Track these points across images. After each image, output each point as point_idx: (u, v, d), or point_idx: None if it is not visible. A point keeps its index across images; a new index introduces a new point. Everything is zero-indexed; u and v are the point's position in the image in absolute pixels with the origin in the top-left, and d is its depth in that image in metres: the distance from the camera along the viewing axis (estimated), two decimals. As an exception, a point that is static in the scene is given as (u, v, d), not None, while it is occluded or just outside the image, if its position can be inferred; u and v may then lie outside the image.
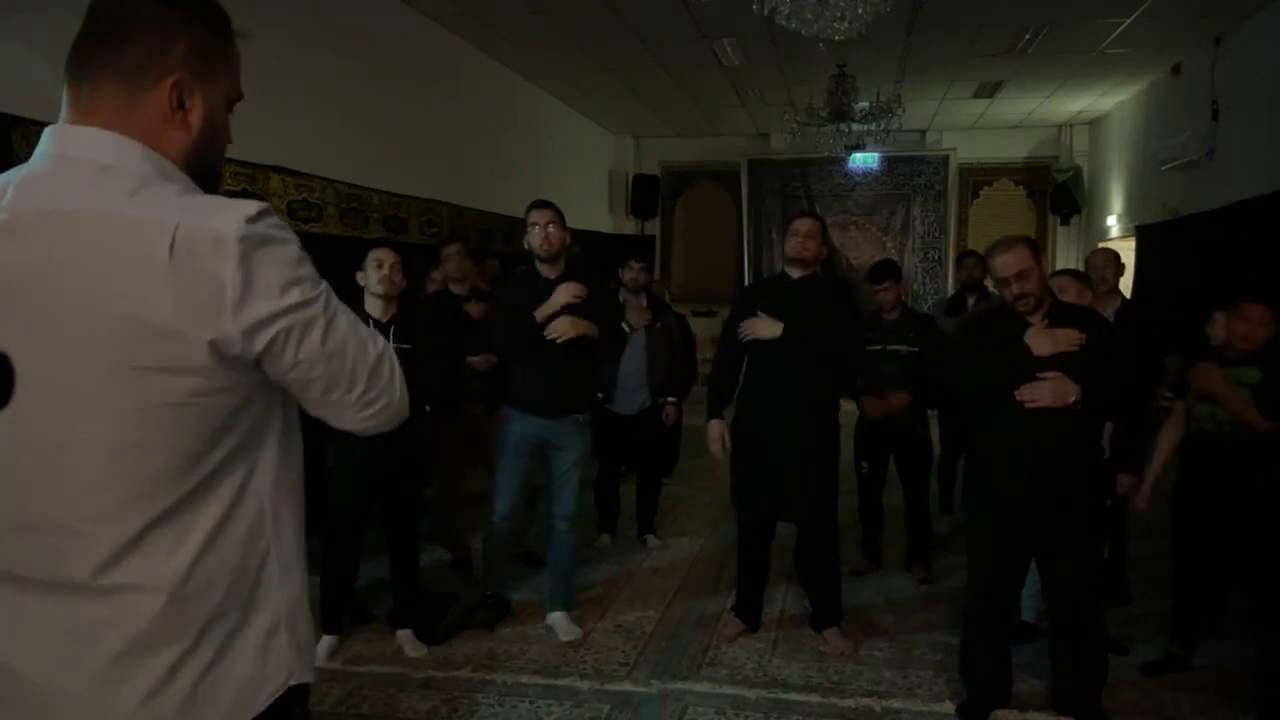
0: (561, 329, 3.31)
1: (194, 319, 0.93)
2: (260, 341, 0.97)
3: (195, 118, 1.04)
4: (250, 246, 0.94)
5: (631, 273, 4.66)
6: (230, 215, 0.95)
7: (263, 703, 1.05)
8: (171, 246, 0.91)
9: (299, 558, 1.11)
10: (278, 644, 1.07)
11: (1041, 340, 2.68)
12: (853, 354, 3.51)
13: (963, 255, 5.87)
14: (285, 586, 1.08)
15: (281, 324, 0.97)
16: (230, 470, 1.01)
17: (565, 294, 3.33)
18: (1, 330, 0.94)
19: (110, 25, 1.00)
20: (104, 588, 0.96)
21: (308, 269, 1.01)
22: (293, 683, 1.09)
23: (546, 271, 3.45)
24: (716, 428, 3.51)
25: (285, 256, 0.98)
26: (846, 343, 3.40)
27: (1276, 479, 2.92)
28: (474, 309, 4.21)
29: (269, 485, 1.06)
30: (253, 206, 0.96)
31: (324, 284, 1.04)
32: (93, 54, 1.00)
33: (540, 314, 3.33)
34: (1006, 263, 2.72)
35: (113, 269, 0.92)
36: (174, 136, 1.03)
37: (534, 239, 3.41)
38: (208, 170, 1.08)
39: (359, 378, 1.07)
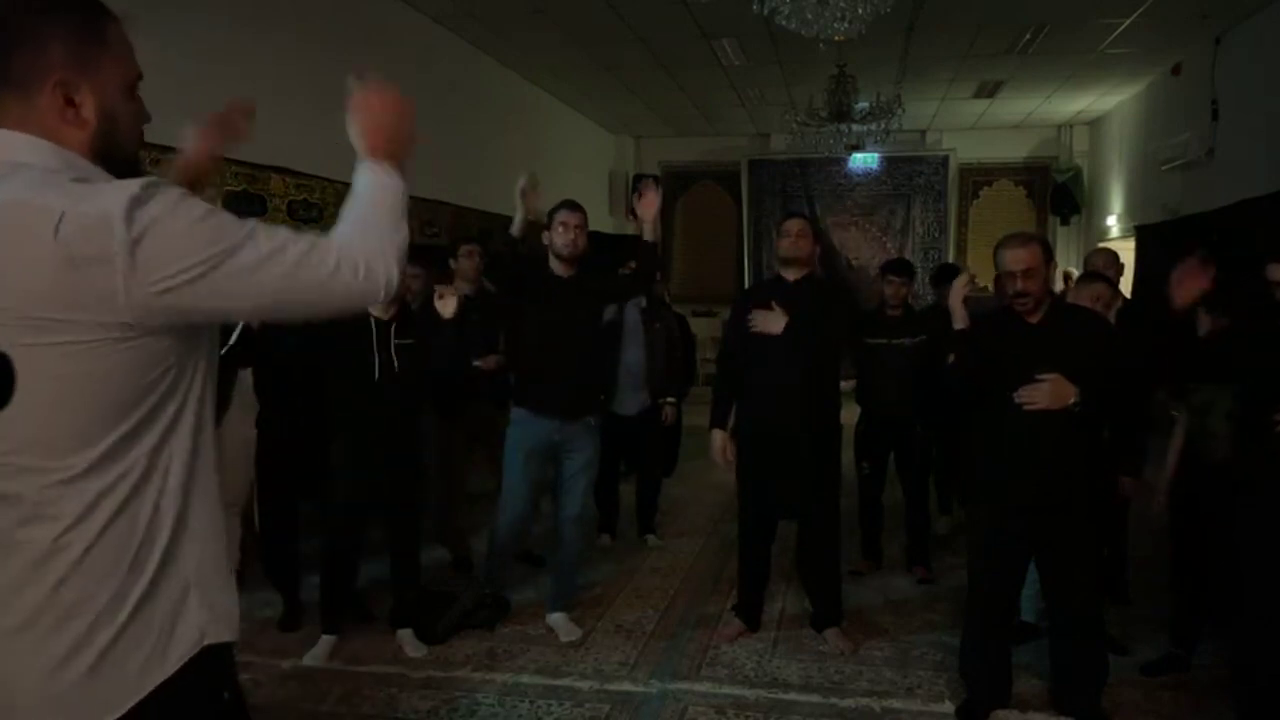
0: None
1: (83, 297, 0.96)
2: (163, 305, 0.99)
3: (88, 112, 1.06)
4: (136, 222, 0.96)
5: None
6: (115, 195, 0.97)
7: (172, 666, 1.07)
8: (56, 230, 0.94)
9: (214, 523, 1.14)
10: (188, 606, 1.09)
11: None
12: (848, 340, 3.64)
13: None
14: (196, 548, 1.11)
15: (181, 280, 0.99)
16: (143, 434, 1.04)
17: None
18: None
19: None
20: (19, 542, 1.01)
21: (205, 228, 1.01)
22: (207, 643, 1.11)
23: (561, 270, 3.47)
24: (719, 439, 3.45)
25: (175, 225, 0.99)
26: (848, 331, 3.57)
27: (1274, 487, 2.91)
28: (488, 363, 4.19)
29: (184, 450, 1.09)
30: (136, 184, 0.98)
31: (234, 231, 1.03)
32: None
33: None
34: (1018, 257, 2.71)
35: (6, 252, 0.96)
36: (71, 133, 1.05)
37: (560, 239, 3.43)
38: (121, 159, 1.10)
39: (294, 290, 1.08)
